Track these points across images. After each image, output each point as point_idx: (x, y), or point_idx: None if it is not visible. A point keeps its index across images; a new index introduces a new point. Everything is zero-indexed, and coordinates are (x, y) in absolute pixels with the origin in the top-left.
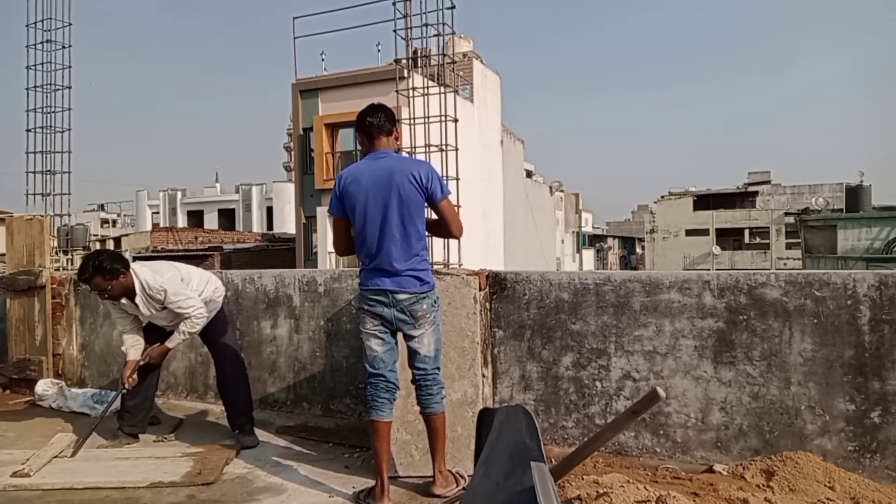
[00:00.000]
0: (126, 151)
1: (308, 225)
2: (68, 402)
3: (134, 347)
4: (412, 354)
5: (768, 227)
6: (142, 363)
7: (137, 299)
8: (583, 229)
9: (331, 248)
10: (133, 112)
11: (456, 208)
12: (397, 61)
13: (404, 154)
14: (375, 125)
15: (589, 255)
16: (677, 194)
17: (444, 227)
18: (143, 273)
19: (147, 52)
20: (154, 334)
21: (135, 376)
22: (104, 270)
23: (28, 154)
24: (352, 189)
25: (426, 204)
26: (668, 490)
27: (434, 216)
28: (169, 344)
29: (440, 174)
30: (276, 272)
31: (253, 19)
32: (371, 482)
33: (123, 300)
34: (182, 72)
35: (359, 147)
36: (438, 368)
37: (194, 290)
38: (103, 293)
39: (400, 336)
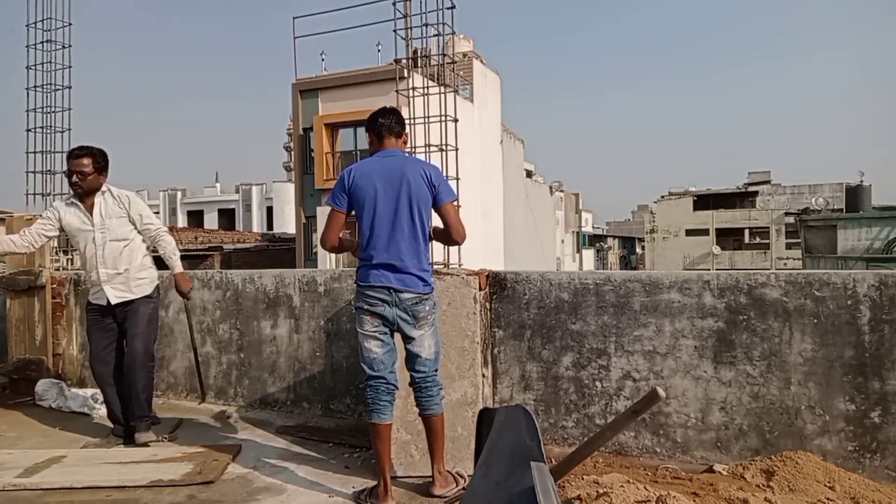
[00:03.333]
0: (126, 151)
1: (308, 225)
2: (68, 402)
3: (20, 238)
4: (412, 358)
5: (768, 227)
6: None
7: (98, 206)
8: (583, 229)
9: None
10: (133, 112)
11: (458, 214)
12: (397, 61)
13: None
14: (386, 125)
15: (589, 255)
16: (677, 194)
17: (447, 232)
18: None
19: (147, 52)
20: (105, 335)
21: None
22: (97, 156)
23: (28, 154)
24: (362, 182)
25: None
26: (668, 490)
27: (438, 223)
28: (177, 271)
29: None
30: (276, 272)
31: (253, 19)
32: (371, 482)
33: (73, 216)
34: (182, 72)
35: (359, 147)
36: (437, 370)
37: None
38: (81, 176)
39: (398, 339)
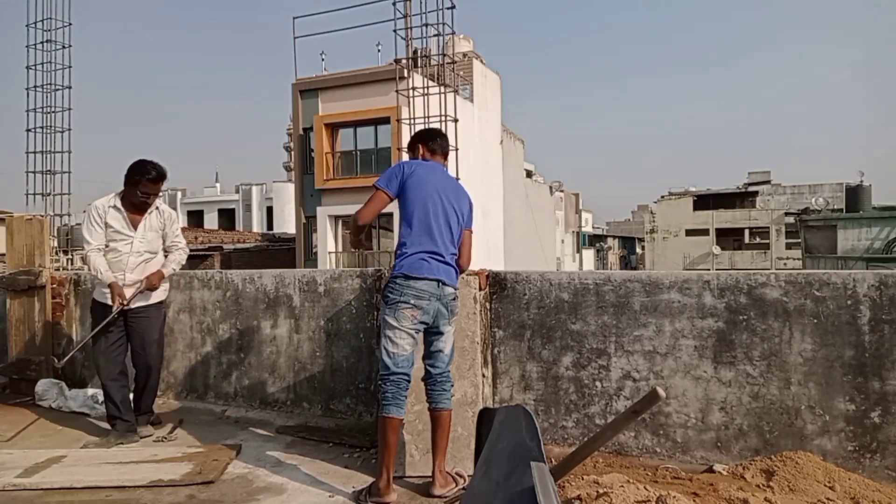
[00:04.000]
0: (126, 151)
1: (308, 225)
2: (68, 402)
3: (109, 270)
4: (435, 353)
5: (768, 227)
6: (142, 289)
7: (145, 218)
8: (583, 229)
9: (331, 247)
10: (133, 112)
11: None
12: (397, 61)
13: None
14: (442, 147)
15: (589, 255)
16: (677, 194)
17: (459, 255)
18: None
19: (147, 52)
20: (114, 332)
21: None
22: (165, 176)
23: (28, 154)
24: (424, 175)
25: None
26: (668, 490)
27: None
28: (165, 270)
29: None
30: (276, 272)
31: (253, 19)
32: (371, 480)
33: (114, 219)
34: (182, 72)
35: (359, 147)
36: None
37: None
38: (153, 198)
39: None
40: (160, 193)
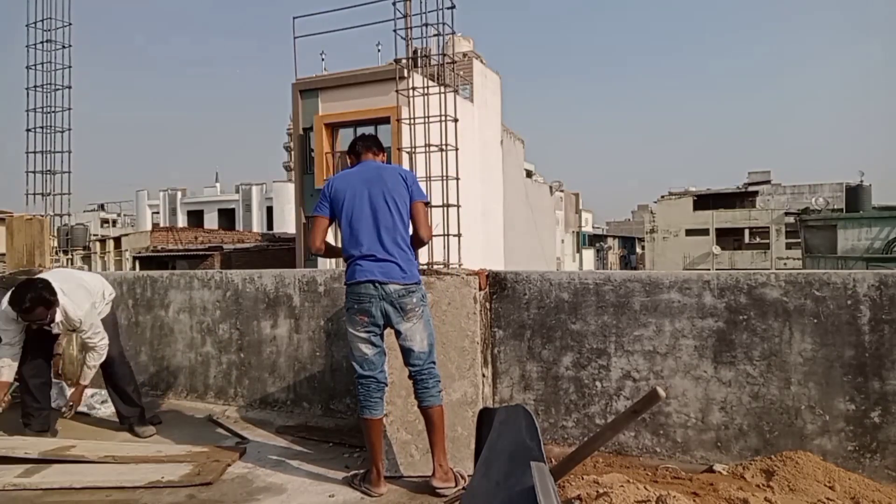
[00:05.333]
0: (126, 151)
1: (308, 225)
2: None
3: (9, 367)
4: (406, 352)
5: (768, 227)
6: (67, 415)
7: (53, 324)
8: (583, 229)
9: None
10: (133, 112)
11: (428, 215)
12: (397, 61)
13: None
14: (365, 145)
15: (589, 254)
16: (677, 194)
17: (414, 229)
18: (64, 302)
19: (148, 52)
20: (35, 347)
21: (8, 397)
22: (46, 302)
23: (28, 154)
24: (340, 187)
25: None
26: (668, 490)
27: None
28: (83, 382)
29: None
30: (276, 272)
31: (253, 18)
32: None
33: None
34: (183, 71)
35: None
36: (434, 362)
37: (97, 307)
38: (39, 322)
39: (391, 338)
40: (48, 317)
